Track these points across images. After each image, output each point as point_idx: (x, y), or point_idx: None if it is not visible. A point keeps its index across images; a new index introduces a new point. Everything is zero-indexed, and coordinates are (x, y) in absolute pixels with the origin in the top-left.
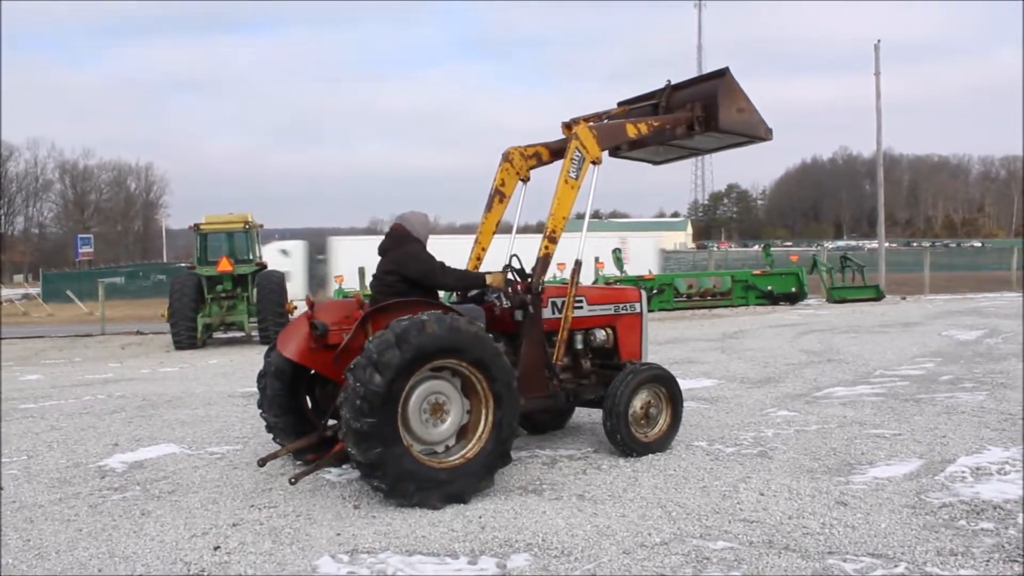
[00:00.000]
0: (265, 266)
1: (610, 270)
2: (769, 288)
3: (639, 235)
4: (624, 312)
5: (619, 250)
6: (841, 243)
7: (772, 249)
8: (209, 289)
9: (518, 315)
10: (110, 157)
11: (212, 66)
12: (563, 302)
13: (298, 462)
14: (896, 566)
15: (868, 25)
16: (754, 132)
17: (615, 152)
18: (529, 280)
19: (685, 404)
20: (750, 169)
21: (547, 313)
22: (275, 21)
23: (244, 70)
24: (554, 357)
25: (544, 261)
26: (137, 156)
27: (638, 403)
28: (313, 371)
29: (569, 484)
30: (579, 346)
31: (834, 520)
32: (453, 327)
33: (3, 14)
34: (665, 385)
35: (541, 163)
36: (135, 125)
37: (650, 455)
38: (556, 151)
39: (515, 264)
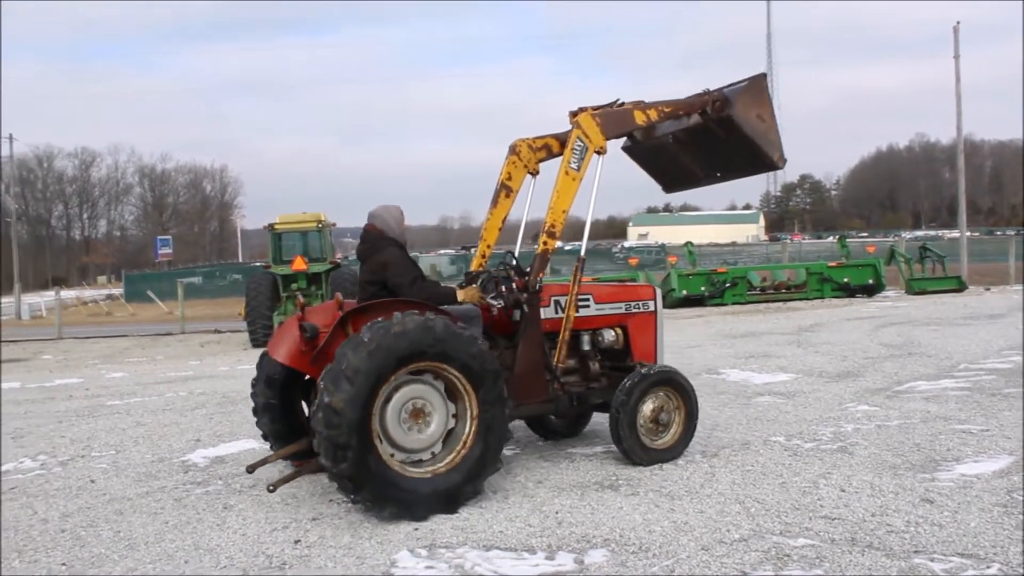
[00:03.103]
0: (339, 264)
1: (683, 264)
2: (845, 280)
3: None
4: (636, 311)
5: (691, 243)
6: (920, 233)
7: (848, 240)
8: (284, 287)
9: (517, 315)
10: (186, 160)
11: (278, 68)
12: (567, 301)
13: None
14: (988, 567)
15: (946, 6)
16: (766, 147)
17: (628, 147)
18: (527, 278)
19: (761, 398)
20: (823, 159)
21: (550, 313)
22: (337, 21)
23: (309, 71)
24: (555, 359)
25: (542, 257)
26: (212, 158)
27: (648, 408)
28: (307, 376)
29: (645, 479)
30: (586, 347)
31: (920, 518)
32: (428, 328)
33: (75, 27)
34: (678, 389)
35: (551, 155)
36: (207, 128)
37: (727, 450)
38: (566, 142)
39: (510, 261)
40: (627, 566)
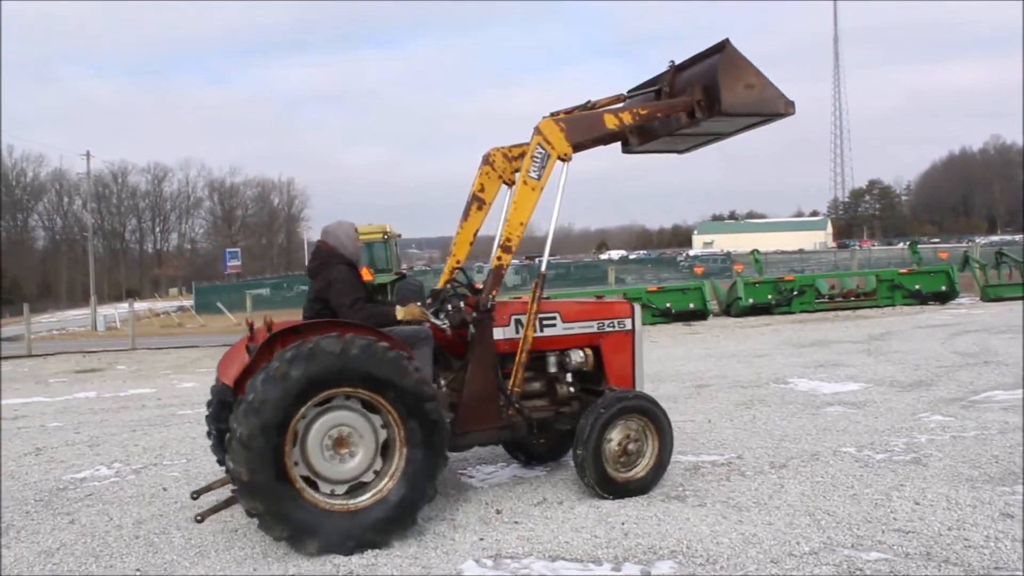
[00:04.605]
0: (404, 275)
1: (749, 272)
2: (917, 287)
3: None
4: (610, 330)
5: (758, 251)
6: (995, 238)
7: (919, 246)
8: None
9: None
10: (254, 173)
11: (345, 80)
12: (526, 320)
13: None
14: None
15: (1019, 2)
16: (770, 109)
17: (628, 148)
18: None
19: (830, 408)
20: (893, 163)
21: (510, 332)
22: (405, 33)
23: (375, 83)
24: (512, 382)
25: (496, 273)
26: (279, 171)
27: (615, 437)
28: None
29: (713, 490)
30: (553, 369)
31: (999, 533)
32: (343, 352)
33: (154, 43)
34: (650, 417)
35: None
36: (275, 140)
37: (796, 461)
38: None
39: (460, 278)
40: None
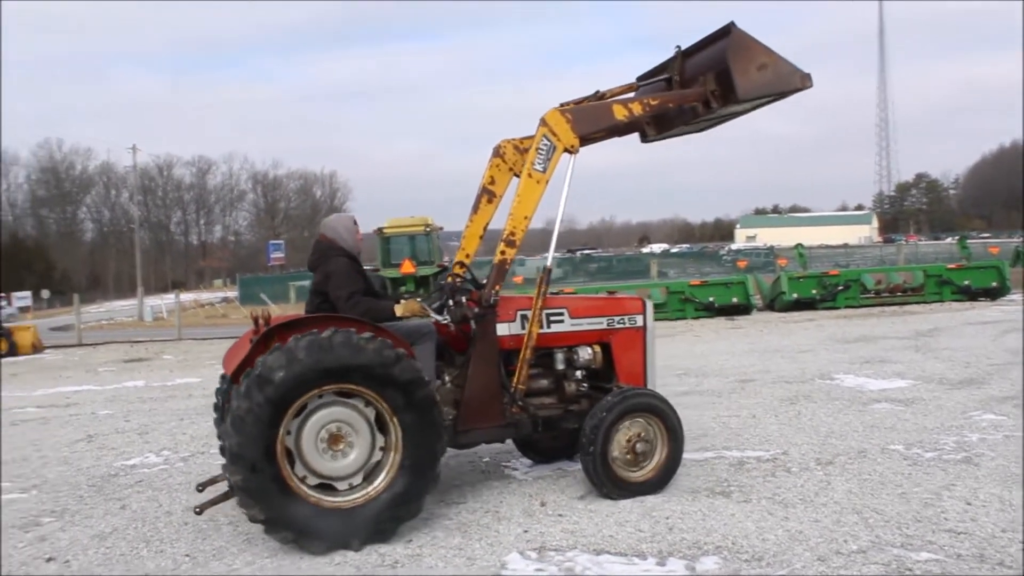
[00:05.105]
0: (445, 267)
1: (793, 266)
2: (966, 283)
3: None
4: (621, 326)
5: (802, 245)
6: None
7: (968, 241)
8: (392, 290)
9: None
10: (297, 166)
11: (387, 74)
12: (531, 315)
13: None
14: None
15: None
16: (786, 86)
17: (646, 137)
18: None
19: (877, 405)
20: (941, 157)
21: (516, 328)
22: (444, 26)
23: (415, 76)
24: (515, 379)
25: (499, 268)
26: (321, 164)
27: (622, 437)
28: None
29: (758, 486)
30: (560, 366)
31: None
32: (327, 347)
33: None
34: (659, 416)
35: None
36: (316, 134)
37: (843, 458)
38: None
39: (464, 274)
40: (740, 574)
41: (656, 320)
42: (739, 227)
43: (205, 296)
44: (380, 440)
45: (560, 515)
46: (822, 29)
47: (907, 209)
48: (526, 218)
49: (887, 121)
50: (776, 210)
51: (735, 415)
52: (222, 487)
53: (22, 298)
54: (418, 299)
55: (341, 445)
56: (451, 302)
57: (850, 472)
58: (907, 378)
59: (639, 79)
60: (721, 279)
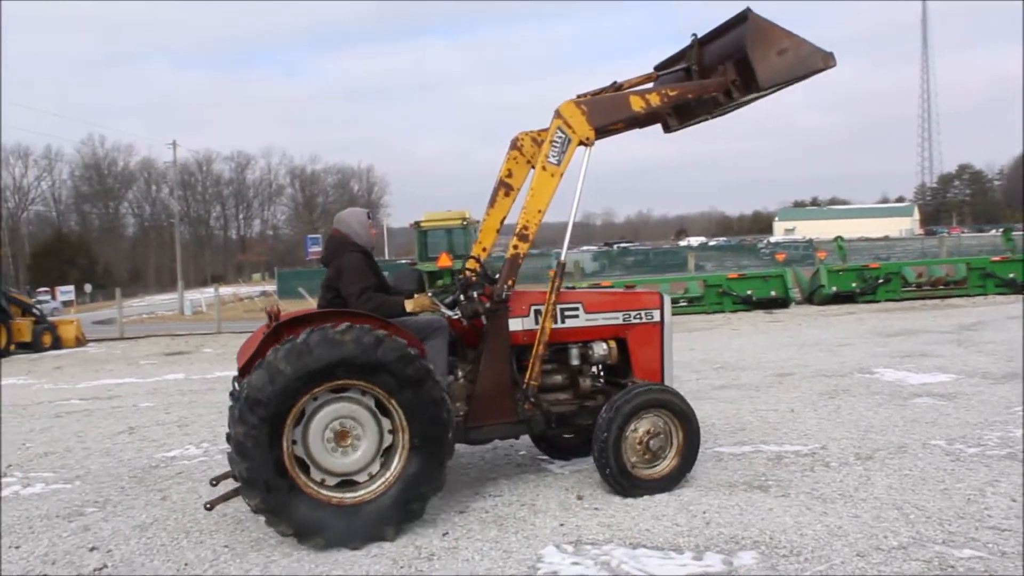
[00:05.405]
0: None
1: (832, 259)
2: (1011, 276)
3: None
4: (637, 321)
5: (841, 238)
6: None
7: (1013, 233)
8: (430, 284)
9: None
10: (334, 161)
11: (420, 70)
12: (544, 311)
13: None
14: None
15: None
16: (809, 68)
17: (668, 128)
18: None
19: (918, 400)
20: (985, 147)
21: (529, 323)
22: (477, 22)
23: (449, 71)
24: (528, 375)
25: (512, 263)
26: (359, 159)
27: (636, 432)
28: None
29: (796, 481)
30: (575, 362)
31: None
32: (336, 342)
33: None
34: (675, 413)
35: None
36: (354, 129)
37: (883, 452)
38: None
39: (475, 268)
40: (777, 569)
41: (693, 313)
42: (777, 220)
43: (244, 290)
44: (386, 423)
45: (596, 509)
46: (864, 20)
47: (950, 201)
48: (539, 212)
49: (929, 111)
50: (815, 202)
51: (773, 409)
52: (234, 483)
53: (66, 292)
54: (428, 294)
55: (349, 440)
56: (462, 297)
57: (890, 467)
58: (949, 372)
59: (657, 68)
60: (759, 272)
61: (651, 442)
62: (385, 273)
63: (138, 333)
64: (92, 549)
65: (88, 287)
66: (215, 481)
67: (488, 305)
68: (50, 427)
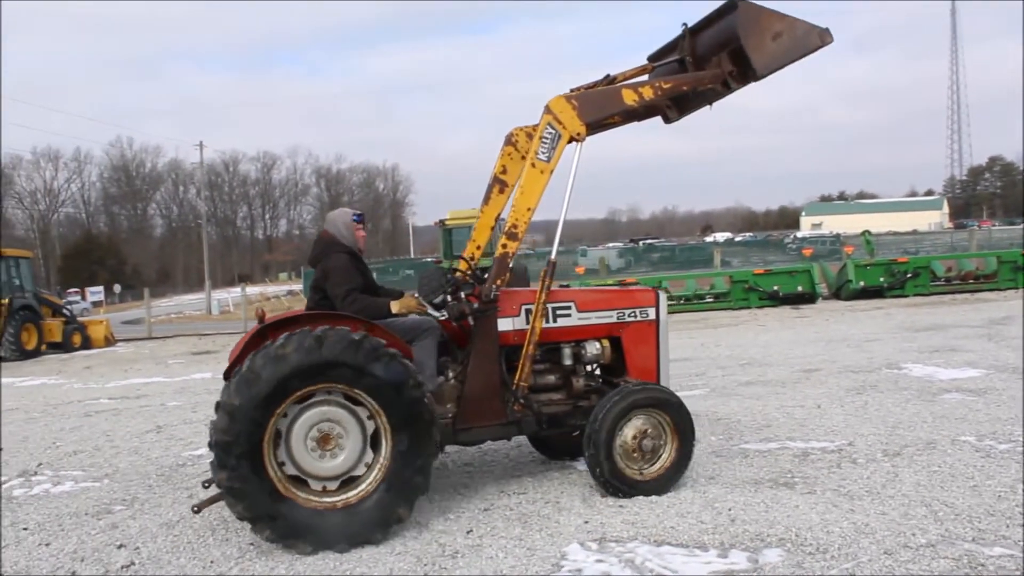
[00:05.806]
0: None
1: (860, 254)
2: None
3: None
4: (631, 320)
5: (869, 232)
6: None
7: None
8: None
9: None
10: (360, 160)
11: (442, 68)
12: (534, 310)
13: None
14: None
15: None
16: (805, 48)
17: (669, 119)
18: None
19: (948, 395)
20: (1016, 140)
21: (520, 323)
22: (504, 18)
23: (475, 69)
24: (517, 376)
25: (501, 262)
26: (384, 158)
27: (628, 432)
28: None
29: (823, 478)
30: (568, 361)
31: None
32: (312, 346)
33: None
34: (669, 412)
35: None
36: (377, 128)
37: (911, 449)
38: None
39: (464, 268)
40: (803, 567)
41: (720, 309)
42: (804, 215)
43: (271, 289)
44: (363, 412)
45: (621, 506)
46: (891, 9)
47: (980, 194)
48: (529, 210)
49: (959, 103)
50: (842, 197)
51: (800, 405)
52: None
53: (95, 293)
54: (414, 295)
55: (333, 441)
56: (449, 297)
57: (919, 464)
58: (979, 367)
59: (650, 59)
60: (786, 267)
61: (644, 442)
62: (409, 272)
63: (166, 333)
64: (120, 546)
65: (117, 287)
66: (207, 483)
67: (476, 305)
68: (80, 426)
